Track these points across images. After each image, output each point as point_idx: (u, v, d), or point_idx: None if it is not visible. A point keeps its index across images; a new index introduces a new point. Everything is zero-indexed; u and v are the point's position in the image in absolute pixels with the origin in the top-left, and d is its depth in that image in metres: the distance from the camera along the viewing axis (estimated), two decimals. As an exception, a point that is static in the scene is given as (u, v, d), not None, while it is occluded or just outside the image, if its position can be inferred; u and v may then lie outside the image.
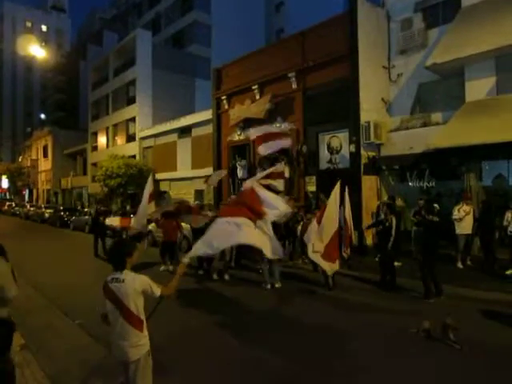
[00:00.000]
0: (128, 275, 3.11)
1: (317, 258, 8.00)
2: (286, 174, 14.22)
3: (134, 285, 3.06)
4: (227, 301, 7.89)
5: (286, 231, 10.39)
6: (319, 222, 8.03)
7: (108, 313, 3.13)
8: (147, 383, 3.16)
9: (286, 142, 12.21)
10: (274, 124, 15.27)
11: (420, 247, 7.72)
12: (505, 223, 8.95)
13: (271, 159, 15.35)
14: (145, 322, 3.16)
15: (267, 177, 11.49)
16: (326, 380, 4.39)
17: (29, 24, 69.55)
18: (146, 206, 10.89)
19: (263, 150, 12.17)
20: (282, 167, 12.09)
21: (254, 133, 12.66)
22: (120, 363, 3.17)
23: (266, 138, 11.99)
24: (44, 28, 71.76)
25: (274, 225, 8.63)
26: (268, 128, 13.21)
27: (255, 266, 10.17)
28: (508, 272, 8.70)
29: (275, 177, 11.61)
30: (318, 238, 7.93)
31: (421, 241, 7.79)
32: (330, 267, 7.99)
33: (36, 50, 31.46)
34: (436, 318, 5.55)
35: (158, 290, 3.15)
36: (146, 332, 3.16)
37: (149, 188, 11.11)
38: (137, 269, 3.31)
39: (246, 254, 10.86)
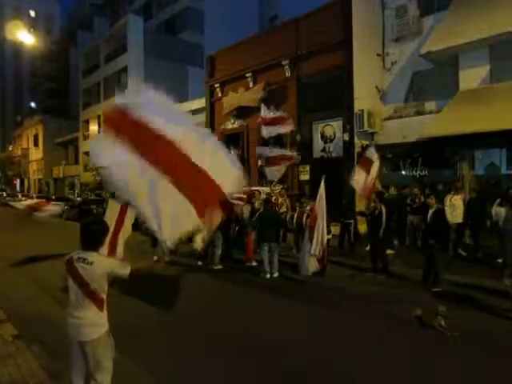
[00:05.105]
0: (96, 257, 3.04)
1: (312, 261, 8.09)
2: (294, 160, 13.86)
3: (102, 268, 3.00)
4: (227, 292, 7.81)
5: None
6: (313, 225, 8.00)
7: (69, 288, 3.08)
8: (107, 363, 3.09)
9: (285, 128, 12.64)
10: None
11: (432, 235, 7.32)
12: (494, 211, 9.02)
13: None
14: (105, 301, 3.09)
15: (276, 161, 11.78)
16: (329, 368, 4.44)
17: (16, 9, 67.76)
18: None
19: (265, 132, 12.67)
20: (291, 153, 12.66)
21: (262, 113, 12.93)
22: (74, 345, 3.06)
23: (272, 121, 12.46)
24: (32, 13, 69.95)
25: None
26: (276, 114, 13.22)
27: (243, 257, 10.12)
28: (499, 260, 8.81)
29: (282, 162, 12.28)
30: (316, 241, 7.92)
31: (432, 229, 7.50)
32: (315, 267, 8.09)
33: (24, 37, 30.76)
34: (427, 305, 5.65)
35: (126, 269, 3.05)
36: (105, 312, 3.10)
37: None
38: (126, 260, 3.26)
39: (235, 243, 10.78)
